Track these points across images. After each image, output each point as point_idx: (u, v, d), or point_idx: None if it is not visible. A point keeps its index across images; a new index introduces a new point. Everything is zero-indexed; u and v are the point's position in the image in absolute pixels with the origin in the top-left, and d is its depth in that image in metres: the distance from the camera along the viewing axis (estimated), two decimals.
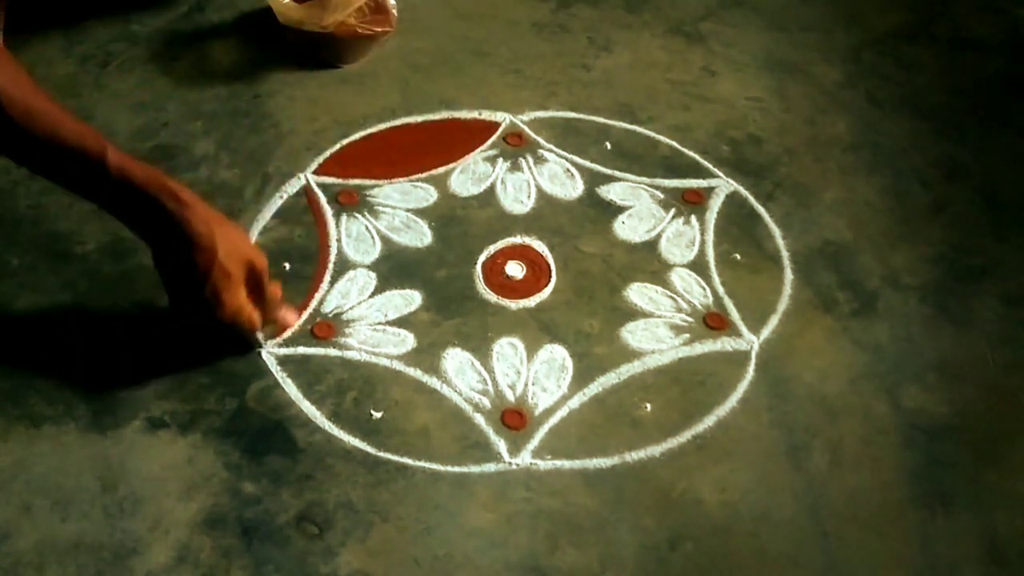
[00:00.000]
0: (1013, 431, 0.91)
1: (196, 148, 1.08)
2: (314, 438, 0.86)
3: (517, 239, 1.03)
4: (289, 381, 0.89)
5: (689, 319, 0.97)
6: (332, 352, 0.92)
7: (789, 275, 1.01)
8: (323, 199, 1.05)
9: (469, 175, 1.08)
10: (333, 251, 1.00)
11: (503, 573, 0.79)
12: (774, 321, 0.97)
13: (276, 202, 1.04)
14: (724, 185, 1.09)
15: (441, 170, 1.08)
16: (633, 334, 0.95)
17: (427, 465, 0.85)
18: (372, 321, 0.94)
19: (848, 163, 1.14)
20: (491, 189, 1.07)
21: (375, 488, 0.83)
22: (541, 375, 0.91)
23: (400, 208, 1.04)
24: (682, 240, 1.04)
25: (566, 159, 1.11)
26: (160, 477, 0.82)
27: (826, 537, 0.82)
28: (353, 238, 1.01)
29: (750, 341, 0.95)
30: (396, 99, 1.16)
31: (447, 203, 1.05)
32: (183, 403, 0.87)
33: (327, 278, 0.98)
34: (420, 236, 1.02)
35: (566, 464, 0.86)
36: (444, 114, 1.15)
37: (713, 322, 0.96)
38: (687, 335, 0.95)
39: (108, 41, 1.20)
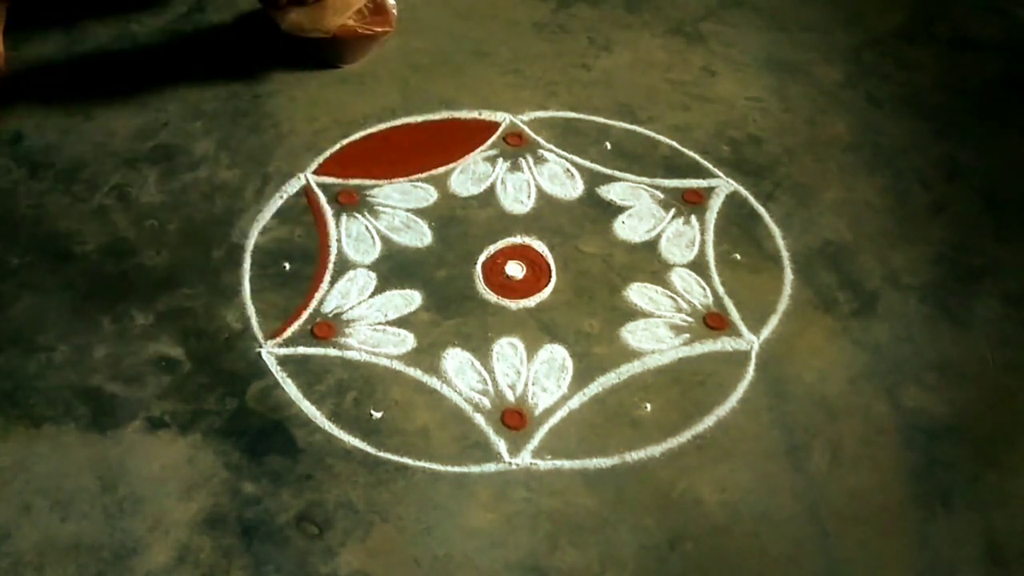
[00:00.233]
0: (1013, 431, 0.91)
1: (196, 148, 1.08)
2: (314, 438, 0.86)
3: (517, 239, 1.02)
4: (289, 381, 0.89)
5: (689, 319, 0.97)
6: (332, 352, 0.92)
7: (789, 275, 1.01)
8: (323, 199, 1.05)
9: (469, 175, 1.08)
10: (333, 251, 1.00)
11: (503, 573, 0.79)
12: (774, 321, 0.97)
13: (276, 202, 1.04)
14: (724, 185, 1.09)
15: (441, 170, 1.08)
16: (633, 334, 0.95)
17: (427, 465, 0.85)
18: (372, 321, 0.94)
19: (848, 163, 1.13)
20: (491, 189, 1.07)
21: (375, 488, 0.83)
22: (541, 375, 0.91)
23: (400, 208, 1.04)
24: (682, 240, 1.04)
25: (566, 159, 1.11)
26: (160, 477, 0.82)
27: (826, 537, 0.82)
28: (353, 238, 1.01)
29: (750, 341, 0.95)
30: (396, 99, 1.16)
31: (447, 203, 1.05)
32: (183, 403, 0.87)
33: (327, 278, 0.98)
34: (420, 236, 1.02)
35: (566, 464, 0.86)
36: (444, 114, 1.15)
37: (713, 322, 0.96)
38: (687, 335, 0.95)
39: (108, 41, 1.20)
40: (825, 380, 0.93)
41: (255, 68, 1.18)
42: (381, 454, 0.85)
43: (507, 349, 0.93)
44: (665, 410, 0.90)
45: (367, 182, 1.07)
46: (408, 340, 0.93)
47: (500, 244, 1.02)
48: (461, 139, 1.12)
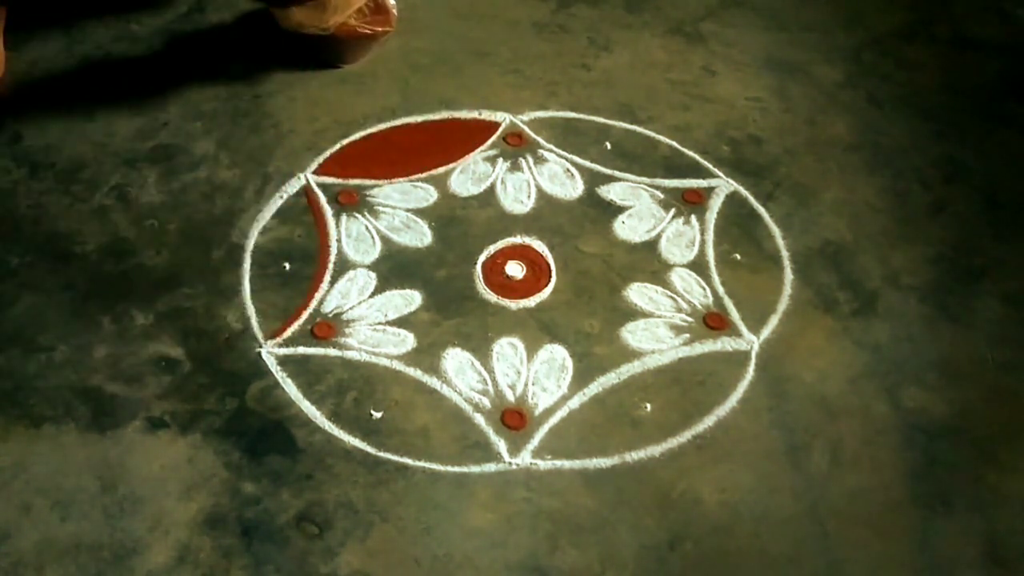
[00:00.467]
0: (1013, 431, 0.91)
1: (196, 148, 1.08)
2: (314, 438, 0.86)
3: (517, 239, 1.02)
4: (289, 381, 0.89)
5: (689, 319, 0.97)
6: (332, 352, 0.92)
7: (789, 275, 1.01)
8: (323, 199, 1.05)
9: (469, 175, 1.08)
10: (333, 251, 1.00)
11: (503, 573, 0.79)
12: (774, 321, 0.97)
13: (276, 202, 1.04)
14: (724, 185, 1.09)
15: (441, 170, 1.08)
16: (633, 334, 0.95)
17: (427, 465, 0.85)
18: (372, 321, 0.94)
19: (848, 163, 1.13)
20: (491, 189, 1.07)
21: (375, 488, 0.83)
22: (541, 375, 0.91)
23: (400, 208, 1.04)
24: (682, 240, 1.04)
25: (566, 159, 1.11)
26: (160, 477, 0.82)
27: (826, 537, 0.82)
28: (353, 238, 1.01)
29: (750, 341, 0.95)
30: (396, 99, 1.16)
31: (447, 203, 1.05)
32: (183, 403, 0.87)
33: (327, 278, 0.98)
34: (420, 236, 1.02)
35: (566, 464, 0.86)
36: (444, 114, 1.15)
37: (713, 322, 0.96)
38: (687, 335, 0.95)
39: (108, 41, 1.20)
40: (825, 380, 0.93)
41: (255, 68, 1.18)
42: (381, 454, 0.85)
43: (507, 349, 0.93)
44: (665, 410, 0.90)
45: (367, 182, 1.07)
46: (408, 340, 0.93)
47: (500, 244, 1.02)
48: (461, 139, 1.12)
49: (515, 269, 1.00)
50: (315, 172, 1.07)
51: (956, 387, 0.93)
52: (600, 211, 1.06)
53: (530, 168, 1.09)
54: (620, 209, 1.06)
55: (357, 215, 1.03)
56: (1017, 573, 0.81)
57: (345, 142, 1.10)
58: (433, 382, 0.90)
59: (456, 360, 0.92)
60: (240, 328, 0.93)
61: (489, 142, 1.12)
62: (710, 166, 1.11)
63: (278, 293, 0.96)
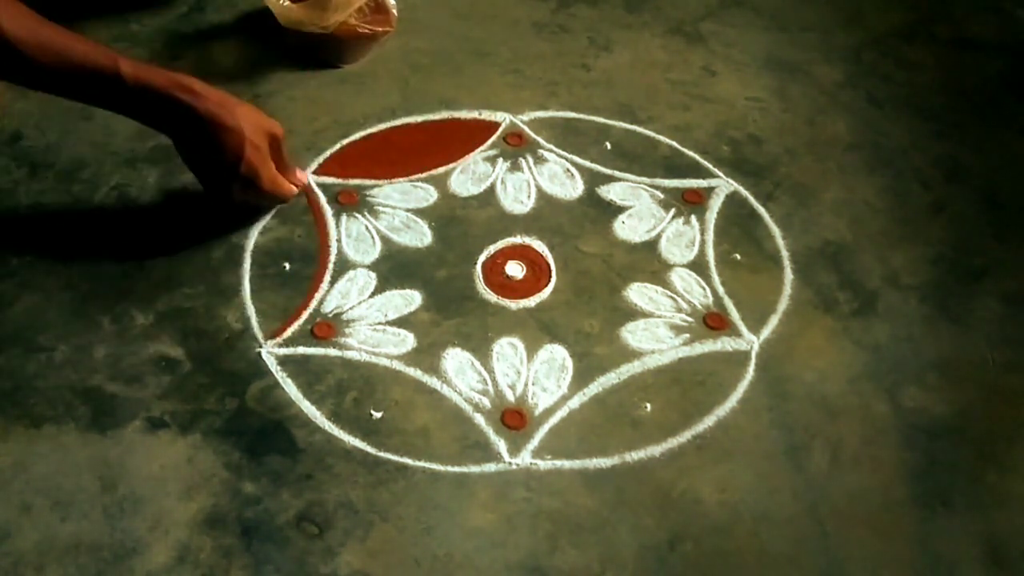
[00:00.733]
0: (1013, 431, 0.91)
1: None
2: (314, 438, 0.86)
3: (517, 239, 1.03)
4: (289, 381, 0.89)
5: (689, 319, 0.97)
6: (332, 352, 0.92)
7: (789, 275, 1.01)
8: (323, 199, 1.05)
9: (469, 175, 1.08)
10: (333, 251, 1.00)
11: (503, 573, 0.79)
12: (774, 321, 0.97)
13: None
14: (724, 185, 1.09)
15: (441, 170, 1.08)
16: (633, 334, 0.95)
17: (427, 465, 0.85)
18: (372, 321, 0.94)
19: (848, 163, 1.14)
20: (491, 189, 1.07)
21: (375, 488, 0.83)
22: (541, 375, 0.91)
23: (400, 208, 1.04)
24: (682, 240, 1.04)
25: (566, 159, 1.11)
26: (160, 477, 0.82)
27: (826, 537, 0.82)
28: (353, 238, 1.01)
29: (750, 341, 0.95)
30: (396, 99, 1.16)
31: (447, 203, 1.05)
32: (183, 403, 0.87)
33: (327, 278, 0.98)
34: (420, 236, 1.02)
35: (566, 464, 0.86)
36: (444, 114, 1.15)
37: (713, 322, 0.96)
38: (687, 335, 0.95)
39: (108, 41, 1.20)
40: (825, 380, 0.93)
41: (255, 68, 1.18)
42: (381, 454, 0.85)
43: (507, 349, 0.93)
44: (665, 410, 0.90)
45: (367, 182, 1.07)
46: (408, 340, 0.93)
47: (500, 244, 1.02)
48: (461, 139, 1.12)
49: (515, 269, 1.00)
50: (315, 172, 1.07)
51: (956, 387, 0.93)
52: (600, 211, 1.06)
53: (530, 168, 1.10)
54: (620, 209, 1.06)
55: (357, 215, 1.03)
56: (1017, 573, 0.81)
57: (345, 142, 1.11)
58: (433, 382, 0.90)
59: (456, 360, 0.92)
60: (240, 328, 0.93)
61: (489, 142, 1.12)
62: (710, 166, 1.11)
63: (278, 293, 0.96)
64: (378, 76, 1.19)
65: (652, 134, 1.14)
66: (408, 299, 0.97)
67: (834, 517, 0.83)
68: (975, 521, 0.84)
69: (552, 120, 1.15)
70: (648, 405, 0.90)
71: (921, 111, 1.20)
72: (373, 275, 0.98)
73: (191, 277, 0.96)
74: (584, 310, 0.97)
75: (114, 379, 0.88)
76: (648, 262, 1.01)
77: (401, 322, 0.95)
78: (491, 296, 0.97)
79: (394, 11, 1.19)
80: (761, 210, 1.07)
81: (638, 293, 0.98)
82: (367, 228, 1.02)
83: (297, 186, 1.00)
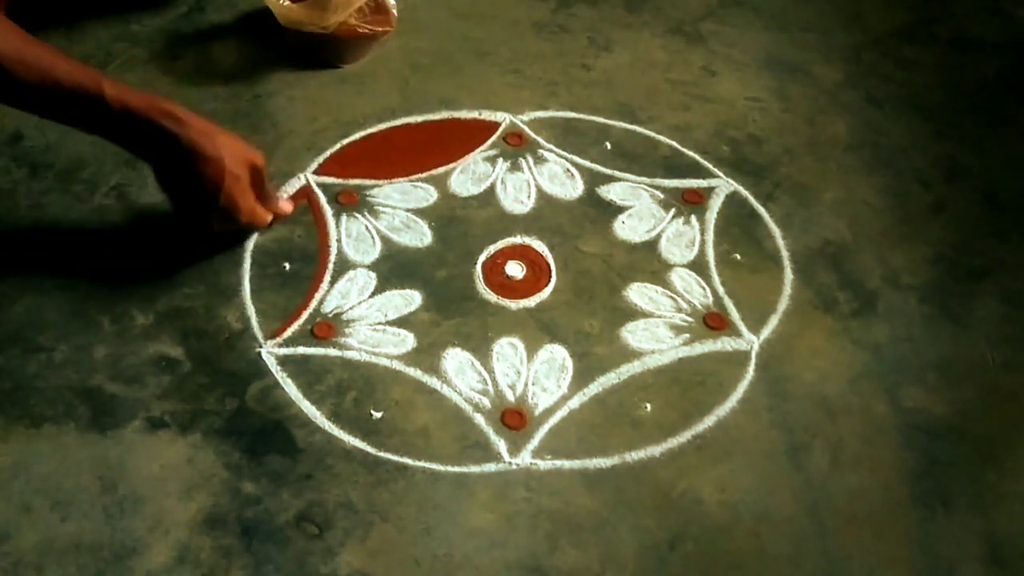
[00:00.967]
0: (1013, 431, 0.91)
1: None
2: (314, 438, 0.86)
3: (517, 239, 1.03)
4: (289, 381, 0.89)
5: (689, 319, 0.97)
6: (332, 352, 0.92)
7: (789, 275, 1.01)
8: (323, 199, 1.05)
9: (469, 175, 1.08)
10: (333, 251, 1.00)
11: (503, 573, 0.79)
12: (774, 321, 0.97)
13: None
14: (724, 185, 1.09)
15: (441, 170, 1.08)
16: (633, 334, 0.95)
17: (427, 465, 0.85)
18: (372, 321, 0.94)
19: (848, 163, 1.14)
20: (491, 189, 1.07)
21: (375, 488, 0.83)
22: (541, 375, 0.91)
23: (400, 208, 1.04)
24: (682, 240, 1.04)
25: (566, 159, 1.11)
26: (160, 477, 0.82)
27: (826, 537, 0.82)
28: (353, 238, 1.01)
29: (750, 341, 0.95)
30: (396, 99, 1.16)
31: (447, 203, 1.05)
32: (183, 403, 0.87)
33: (327, 278, 0.98)
34: (420, 236, 1.02)
35: (566, 464, 0.86)
36: (444, 114, 1.15)
37: (713, 322, 0.96)
38: (687, 335, 0.95)
39: (108, 41, 1.20)
40: (825, 380, 0.93)
41: (255, 68, 1.18)
42: (381, 454, 0.85)
43: (507, 349, 0.93)
44: (665, 410, 0.90)
45: (367, 182, 1.07)
46: (408, 340, 0.93)
47: (500, 244, 1.02)
48: (461, 139, 1.12)
49: (515, 269, 1.00)
50: (315, 172, 1.07)
51: (956, 387, 0.93)
52: (600, 211, 1.06)
53: (530, 168, 1.10)
54: (620, 209, 1.06)
55: (357, 215, 1.03)
56: (1017, 573, 0.82)
57: (345, 142, 1.11)
58: (433, 382, 0.90)
59: (456, 360, 0.92)
60: (240, 328, 0.93)
61: (489, 142, 1.12)
62: (710, 166, 1.11)
63: (278, 293, 0.96)
64: (378, 76, 1.19)
65: (652, 134, 1.14)
66: (408, 299, 0.97)
67: (834, 517, 0.83)
68: (975, 521, 0.84)
69: (552, 120, 1.15)
70: (648, 405, 0.90)
71: (921, 111, 1.20)
72: (373, 275, 0.98)
73: (191, 277, 0.96)
74: (584, 310, 0.97)
75: (114, 379, 0.88)
76: (648, 262, 1.01)
77: (401, 322, 0.95)
78: (491, 296, 0.97)
79: (394, 11, 1.18)
80: (761, 210, 1.07)
81: (638, 293, 0.98)
82: (367, 228, 1.02)
83: (283, 216, 0.99)
